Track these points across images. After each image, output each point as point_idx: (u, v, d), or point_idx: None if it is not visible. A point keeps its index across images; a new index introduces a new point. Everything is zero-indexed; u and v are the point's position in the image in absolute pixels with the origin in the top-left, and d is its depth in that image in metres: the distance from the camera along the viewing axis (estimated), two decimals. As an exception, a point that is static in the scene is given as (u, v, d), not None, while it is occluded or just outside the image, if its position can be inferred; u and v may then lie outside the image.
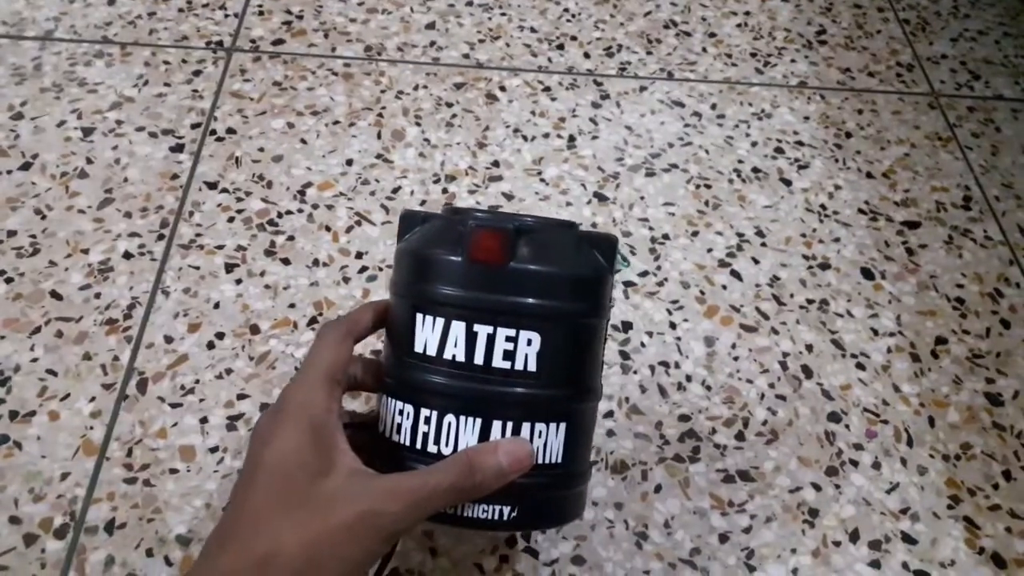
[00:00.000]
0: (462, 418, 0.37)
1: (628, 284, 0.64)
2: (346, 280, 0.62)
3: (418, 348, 0.38)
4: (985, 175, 0.76)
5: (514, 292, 0.37)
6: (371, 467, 0.37)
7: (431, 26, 0.82)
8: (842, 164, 0.75)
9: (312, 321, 0.59)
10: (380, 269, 0.63)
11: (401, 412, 0.39)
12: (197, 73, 0.75)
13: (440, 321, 0.38)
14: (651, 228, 0.68)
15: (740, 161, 0.74)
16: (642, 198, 0.70)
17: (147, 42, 0.77)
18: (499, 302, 0.37)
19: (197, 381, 0.56)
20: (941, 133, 0.79)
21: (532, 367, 0.37)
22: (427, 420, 0.38)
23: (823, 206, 0.71)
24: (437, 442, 0.37)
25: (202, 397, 0.55)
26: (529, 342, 0.37)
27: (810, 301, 0.65)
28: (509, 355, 0.37)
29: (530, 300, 0.37)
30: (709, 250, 0.67)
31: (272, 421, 0.37)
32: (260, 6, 0.82)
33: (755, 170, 0.73)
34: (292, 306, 0.60)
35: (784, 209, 0.71)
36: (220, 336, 0.58)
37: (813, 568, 0.51)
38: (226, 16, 0.80)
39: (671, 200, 0.70)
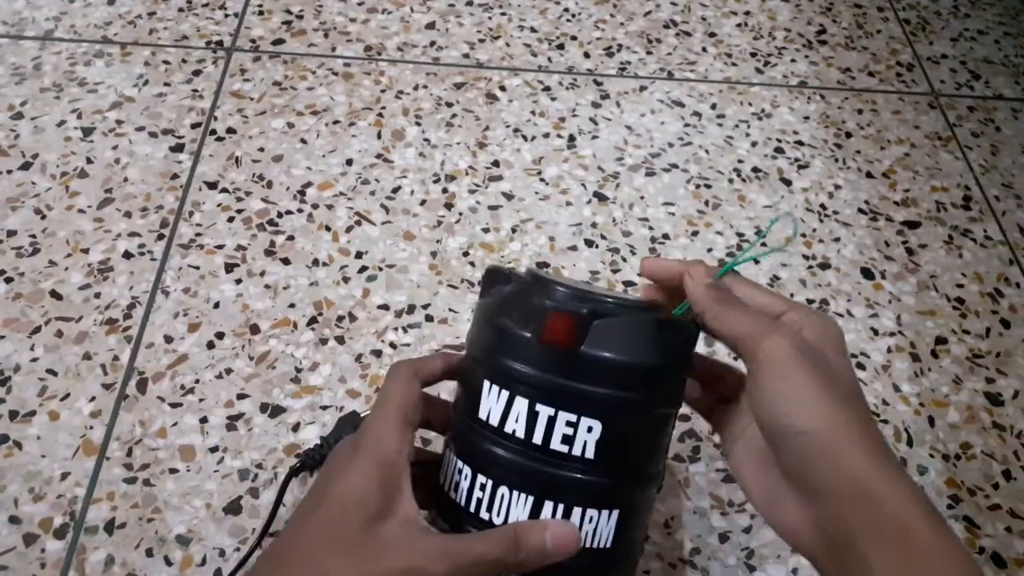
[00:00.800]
0: (515, 493, 0.37)
1: (629, 284, 0.64)
2: (346, 280, 0.62)
3: (482, 415, 0.38)
4: (985, 175, 0.76)
5: (580, 378, 0.37)
6: (427, 507, 0.38)
7: (431, 26, 0.82)
8: (842, 164, 0.75)
9: (312, 321, 0.59)
10: (380, 269, 0.63)
11: (460, 472, 0.39)
12: (197, 73, 0.75)
13: (505, 394, 0.38)
14: (651, 228, 0.68)
15: (740, 161, 0.74)
16: (642, 198, 0.70)
17: (147, 42, 0.77)
18: (564, 386, 0.37)
19: (197, 381, 0.56)
20: (941, 133, 0.79)
21: (590, 454, 0.37)
22: (483, 487, 0.38)
23: (823, 206, 0.71)
24: (489, 510, 0.37)
25: (202, 397, 0.55)
26: (590, 429, 0.37)
27: (810, 301, 0.65)
28: (568, 440, 0.37)
29: (595, 388, 0.37)
30: (709, 250, 0.67)
31: (347, 454, 0.37)
32: (260, 6, 0.82)
33: (755, 170, 0.73)
34: (292, 306, 0.60)
35: (784, 209, 0.71)
36: (220, 336, 0.58)
37: (813, 568, 0.51)
38: (226, 16, 0.80)
39: (671, 200, 0.70)
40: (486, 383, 0.38)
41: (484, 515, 0.37)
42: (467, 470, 0.38)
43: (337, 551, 0.34)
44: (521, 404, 0.37)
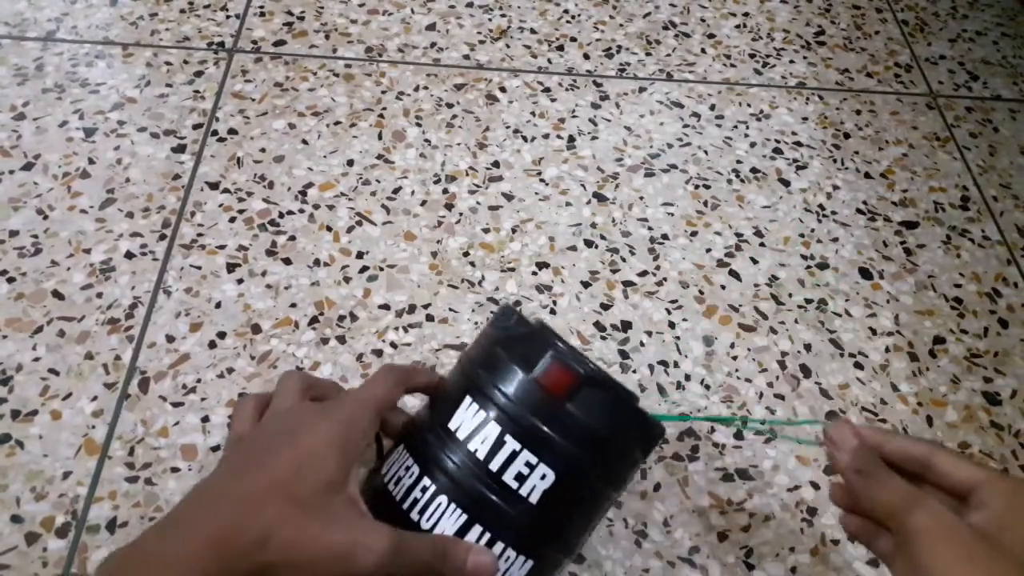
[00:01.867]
0: (452, 506, 0.39)
1: (628, 284, 0.64)
2: (347, 280, 0.62)
3: (452, 425, 0.41)
4: (983, 175, 0.76)
5: (554, 428, 0.39)
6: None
7: (432, 27, 0.82)
8: (840, 164, 0.75)
9: (313, 321, 0.60)
10: (380, 269, 0.63)
11: (407, 469, 0.41)
12: (199, 74, 0.75)
13: (482, 415, 0.40)
14: (650, 228, 0.68)
15: (739, 161, 0.74)
16: (641, 198, 0.70)
17: (149, 43, 0.77)
18: (537, 429, 0.39)
19: (199, 380, 0.56)
20: (939, 133, 0.79)
21: (533, 499, 0.39)
22: (424, 490, 0.40)
23: (821, 206, 0.72)
24: (421, 514, 0.39)
25: (204, 396, 0.55)
26: (543, 476, 0.39)
27: (808, 301, 0.65)
28: (520, 478, 0.39)
29: (564, 442, 0.39)
30: (708, 250, 0.67)
31: (316, 416, 0.38)
32: (261, 7, 0.82)
33: (754, 170, 0.74)
34: (293, 306, 0.60)
35: (783, 209, 0.71)
36: (222, 335, 0.58)
37: (812, 567, 0.52)
38: (227, 17, 0.81)
39: (670, 200, 0.70)
40: (468, 399, 0.41)
41: (415, 516, 0.39)
42: (415, 469, 0.40)
43: (288, 506, 0.34)
44: (493, 429, 0.40)
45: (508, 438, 0.39)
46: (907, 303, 0.66)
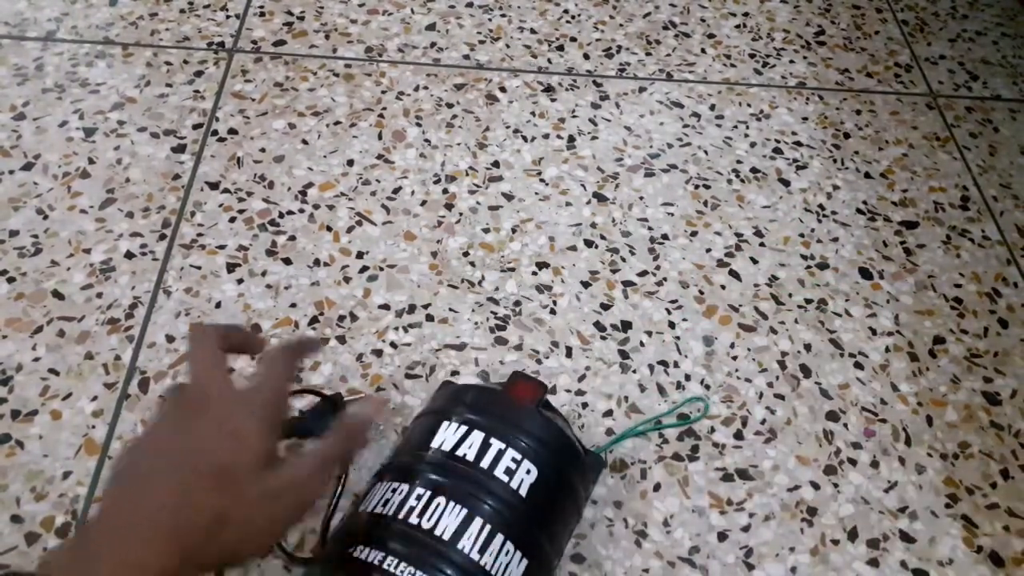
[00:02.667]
0: (451, 503, 0.41)
1: (628, 284, 0.64)
2: (347, 280, 0.62)
3: (434, 444, 0.44)
4: (983, 175, 0.76)
5: (530, 429, 0.45)
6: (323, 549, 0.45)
7: (431, 27, 0.82)
8: (840, 164, 0.75)
9: (313, 321, 0.60)
10: (380, 269, 0.63)
11: (394, 490, 0.43)
12: (199, 74, 0.75)
13: (463, 428, 0.44)
14: (650, 228, 0.68)
15: (739, 161, 0.74)
16: (641, 198, 0.70)
17: (149, 43, 0.77)
18: (516, 431, 0.44)
19: (198, 380, 0.56)
20: (939, 133, 0.79)
21: (523, 492, 0.43)
22: (418, 498, 0.42)
23: (821, 206, 0.72)
24: (420, 516, 0.41)
25: (203, 396, 0.55)
26: (528, 471, 0.43)
27: (808, 301, 0.65)
28: (510, 472, 0.43)
29: (540, 441, 0.45)
30: (708, 250, 0.67)
31: (248, 405, 0.38)
32: (261, 7, 0.82)
33: (754, 170, 0.74)
34: (293, 306, 0.60)
35: (783, 209, 0.71)
36: (221, 335, 0.58)
37: (812, 566, 0.52)
38: (227, 17, 0.81)
39: (670, 200, 0.70)
40: (444, 423, 0.45)
41: (414, 520, 0.41)
42: (403, 487, 0.42)
43: (232, 485, 0.35)
44: (478, 436, 0.44)
45: (493, 440, 0.44)
46: (907, 303, 0.66)
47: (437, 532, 0.40)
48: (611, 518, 0.53)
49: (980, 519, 0.55)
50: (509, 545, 0.41)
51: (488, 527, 0.41)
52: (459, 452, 0.43)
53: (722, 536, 0.52)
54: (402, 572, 0.39)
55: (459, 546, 0.40)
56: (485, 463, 0.43)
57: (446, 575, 0.39)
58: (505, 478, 0.43)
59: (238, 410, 0.37)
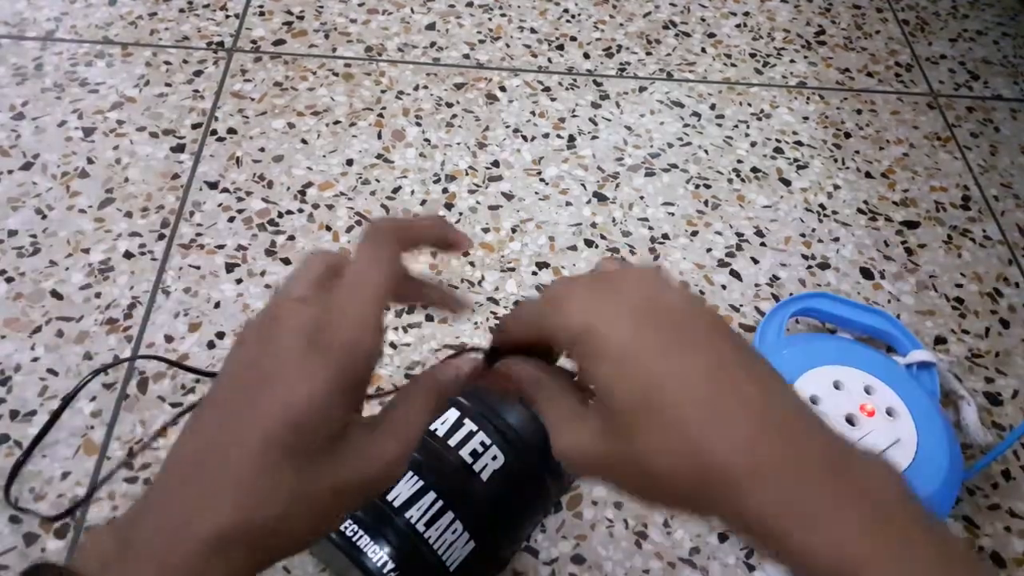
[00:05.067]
0: (409, 473, 0.42)
1: (628, 284, 0.64)
2: (346, 280, 0.62)
3: None
4: (984, 175, 0.76)
5: (507, 415, 0.45)
6: None
7: (431, 27, 0.82)
8: (841, 164, 0.75)
9: (312, 321, 0.59)
10: (380, 269, 0.63)
11: None
12: (198, 73, 0.75)
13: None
14: (651, 228, 0.68)
15: (739, 161, 0.74)
16: (642, 198, 0.70)
17: (148, 42, 0.77)
18: (491, 415, 0.45)
19: (197, 381, 0.56)
20: (940, 133, 0.79)
21: (484, 476, 0.43)
22: None
23: (822, 206, 0.72)
24: None
25: (203, 397, 0.55)
26: (495, 457, 0.43)
27: (809, 301, 0.65)
28: (476, 454, 0.43)
29: (514, 430, 0.45)
30: (708, 250, 0.67)
31: (307, 358, 0.27)
32: (261, 7, 0.82)
33: (754, 170, 0.73)
34: (292, 306, 0.60)
35: (783, 209, 0.71)
36: (220, 336, 0.58)
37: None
38: (227, 17, 0.80)
39: (670, 200, 0.70)
40: None
41: None
42: None
43: (290, 474, 0.27)
44: (452, 414, 0.45)
45: (466, 421, 0.44)
46: (908, 303, 0.66)
47: (389, 498, 0.41)
48: (611, 519, 0.52)
49: (981, 520, 0.55)
50: (458, 524, 0.42)
51: (440, 503, 0.42)
52: (432, 426, 0.44)
53: (723, 537, 0.52)
54: (346, 529, 0.40)
55: (407, 515, 0.41)
56: (453, 441, 0.43)
57: (387, 540, 0.40)
58: (470, 459, 0.43)
59: (297, 360, 0.27)
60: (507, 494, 0.44)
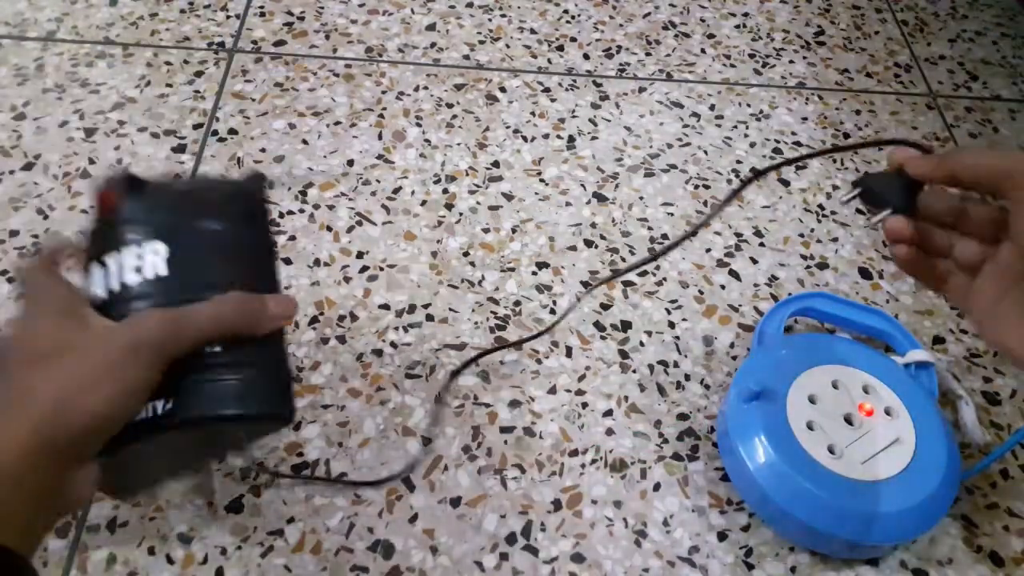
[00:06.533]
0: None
1: (628, 284, 0.64)
2: (347, 280, 0.62)
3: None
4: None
5: (129, 216, 0.39)
6: None
7: (432, 27, 0.82)
8: (840, 164, 0.75)
9: (313, 320, 0.60)
10: (381, 268, 0.63)
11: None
12: (199, 74, 0.75)
13: (90, 269, 0.39)
14: (650, 228, 0.68)
15: (738, 161, 0.74)
16: (641, 198, 0.70)
17: (149, 43, 0.77)
18: (119, 228, 0.38)
19: (199, 380, 0.56)
20: (939, 133, 0.79)
21: (161, 272, 0.37)
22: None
23: (821, 206, 0.72)
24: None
25: (204, 396, 0.55)
26: (156, 252, 0.37)
27: (808, 301, 0.65)
28: (139, 269, 0.37)
29: (149, 216, 0.39)
30: (708, 250, 0.67)
31: (15, 327, 0.34)
32: (261, 7, 0.82)
33: (753, 170, 0.74)
34: (293, 306, 0.60)
35: (782, 209, 0.71)
36: (222, 335, 0.58)
37: (811, 566, 0.52)
38: (228, 17, 0.81)
39: (670, 200, 0.70)
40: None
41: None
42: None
43: (39, 368, 0.32)
44: (96, 271, 0.38)
45: (107, 259, 0.38)
46: (907, 303, 0.66)
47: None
48: (611, 517, 0.53)
49: (980, 519, 0.55)
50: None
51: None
52: (100, 294, 0.37)
53: (722, 536, 0.53)
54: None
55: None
56: (115, 285, 0.37)
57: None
58: (139, 278, 0.37)
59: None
60: (196, 261, 0.38)
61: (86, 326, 0.34)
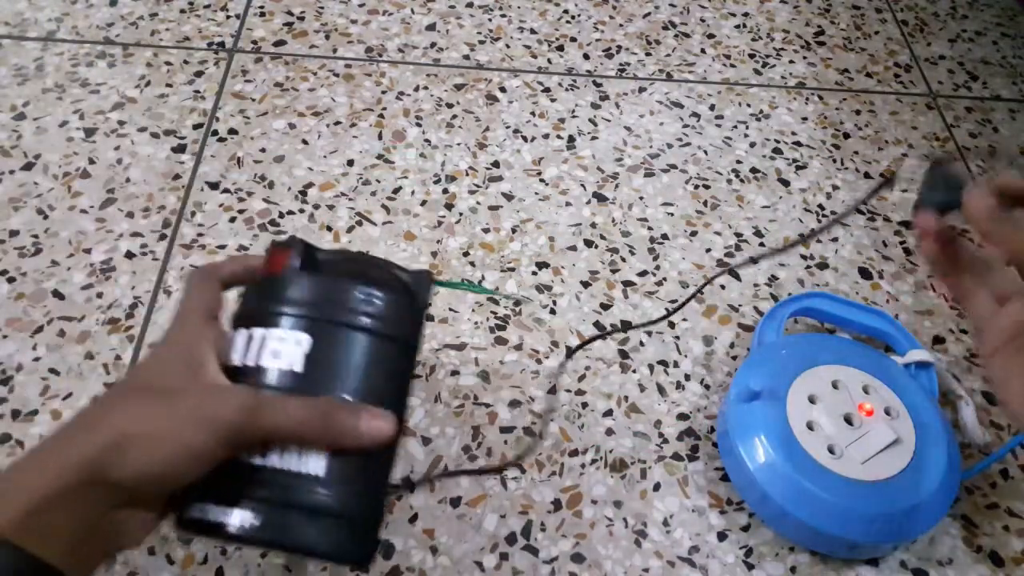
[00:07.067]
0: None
1: (628, 284, 0.64)
2: (347, 280, 0.62)
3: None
4: (983, 175, 0.76)
5: (291, 294, 0.38)
6: None
7: (432, 27, 0.82)
8: (840, 164, 0.75)
9: (313, 320, 0.60)
10: (381, 269, 0.63)
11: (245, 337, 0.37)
12: (199, 74, 0.75)
13: (235, 333, 0.38)
14: (650, 228, 0.68)
15: (738, 161, 0.74)
16: (641, 198, 0.70)
17: (149, 43, 0.77)
18: (275, 303, 0.38)
19: (199, 380, 0.56)
20: (939, 133, 0.79)
21: (297, 368, 0.36)
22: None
23: (821, 206, 0.72)
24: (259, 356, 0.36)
25: (204, 396, 0.55)
26: (299, 343, 0.37)
27: (808, 301, 0.65)
28: (277, 354, 0.36)
29: (308, 300, 0.38)
30: (708, 250, 0.67)
31: (148, 353, 0.37)
32: (261, 7, 0.82)
33: (753, 170, 0.74)
34: (293, 305, 0.60)
35: (782, 209, 0.71)
36: (222, 335, 0.58)
37: (811, 566, 0.52)
38: (228, 17, 0.81)
39: (670, 200, 0.71)
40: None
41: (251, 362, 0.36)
42: (257, 331, 0.37)
43: (135, 399, 0.33)
44: (241, 336, 0.38)
45: (255, 330, 0.37)
46: (907, 303, 0.66)
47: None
48: (611, 517, 0.53)
49: (980, 519, 0.55)
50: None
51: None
52: (234, 362, 0.36)
53: (722, 536, 0.53)
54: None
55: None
56: (251, 361, 0.36)
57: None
58: (273, 365, 0.36)
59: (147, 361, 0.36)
60: (335, 364, 0.37)
61: (198, 381, 0.34)
